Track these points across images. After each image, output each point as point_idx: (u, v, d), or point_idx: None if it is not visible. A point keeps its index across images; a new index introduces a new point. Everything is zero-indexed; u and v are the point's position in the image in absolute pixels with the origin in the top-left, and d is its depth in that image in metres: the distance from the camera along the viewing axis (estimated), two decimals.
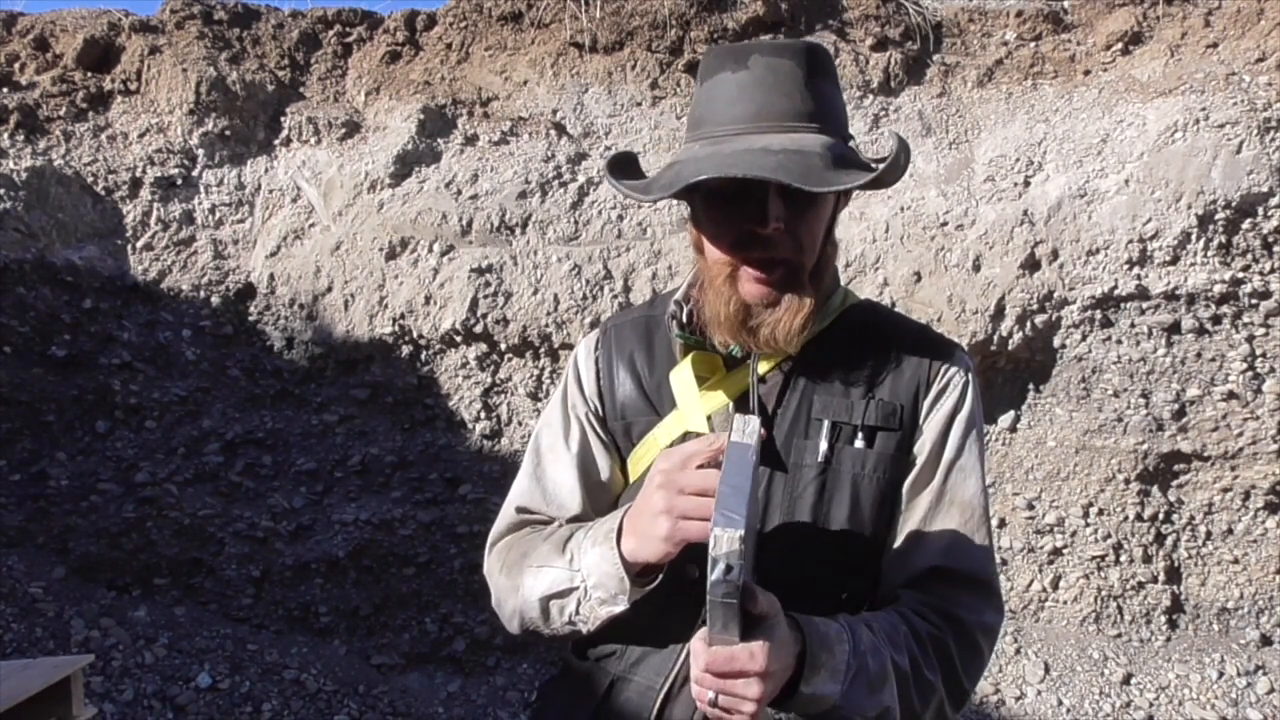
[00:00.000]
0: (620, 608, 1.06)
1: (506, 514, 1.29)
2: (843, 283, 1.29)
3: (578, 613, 1.10)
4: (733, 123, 1.07)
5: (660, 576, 1.07)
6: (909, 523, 1.16)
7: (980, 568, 1.15)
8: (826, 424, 1.14)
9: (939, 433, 1.17)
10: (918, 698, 1.05)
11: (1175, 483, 4.30)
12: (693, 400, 1.15)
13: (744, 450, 0.94)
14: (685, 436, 1.15)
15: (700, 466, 0.99)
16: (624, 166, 1.20)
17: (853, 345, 1.19)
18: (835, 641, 0.97)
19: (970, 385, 1.19)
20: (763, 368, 1.17)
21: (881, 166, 1.04)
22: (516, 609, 1.18)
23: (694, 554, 1.10)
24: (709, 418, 1.15)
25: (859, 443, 1.14)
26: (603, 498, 1.26)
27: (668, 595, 1.13)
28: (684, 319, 1.19)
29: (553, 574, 1.12)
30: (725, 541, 0.82)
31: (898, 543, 1.16)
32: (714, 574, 0.82)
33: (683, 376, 1.17)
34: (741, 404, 1.16)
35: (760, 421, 0.98)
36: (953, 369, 1.19)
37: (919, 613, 1.11)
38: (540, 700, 1.28)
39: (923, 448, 1.17)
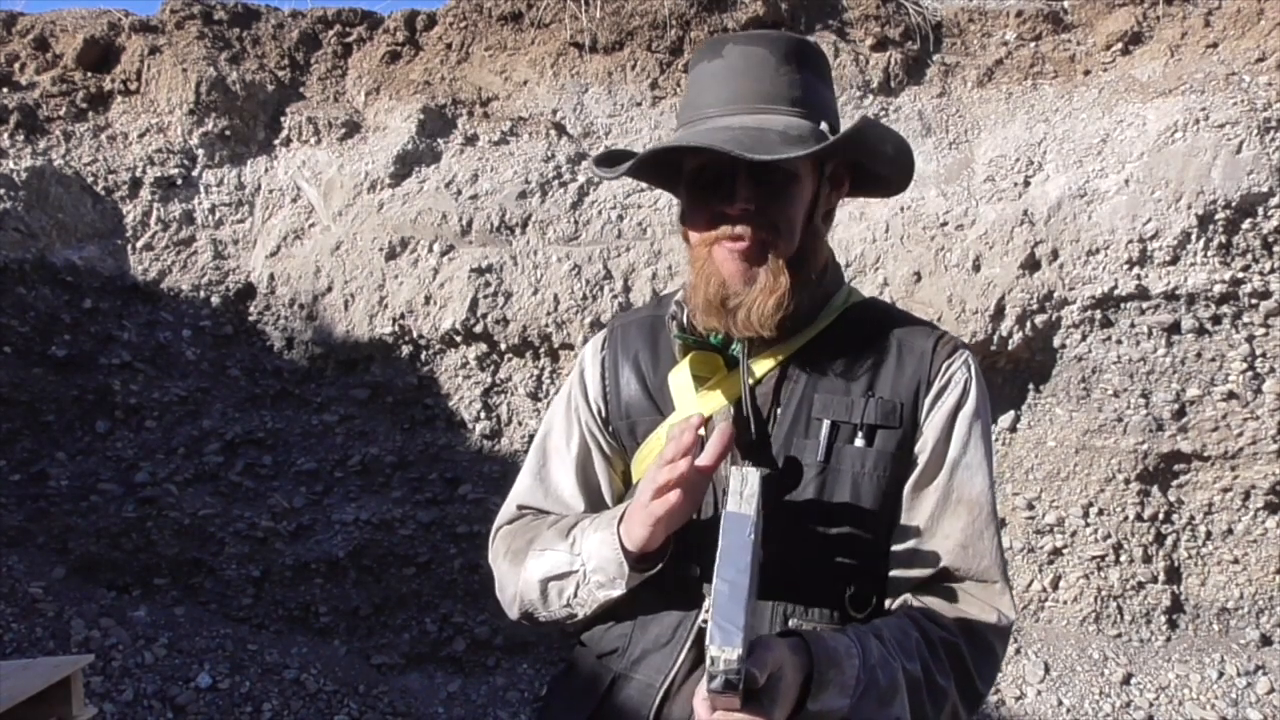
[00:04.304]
0: (617, 592, 1.10)
1: (508, 510, 1.33)
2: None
3: (576, 595, 1.14)
4: (708, 107, 1.13)
5: (660, 566, 1.09)
6: (916, 522, 1.15)
7: (991, 566, 1.14)
8: (826, 423, 1.13)
9: (942, 430, 1.16)
10: (930, 705, 1.05)
11: (1175, 483, 4.30)
12: (689, 401, 1.15)
13: (742, 525, 0.89)
14: None
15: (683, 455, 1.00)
16: (616, 159, 1.22)
17: (854, 343, 1.19)
18: (844, 657, 0.97)
19: (973, 382, 1.18)
20: (763, 367, 1.17)
21: (832, 139, 1.05)
22: (517, 593, 1.22)
23: (694, 554, 1.10)
24: (708, 419, 1.15)
25: (859, 441, 1.14)
26: (600, 505, 1.27)
27: (669, 595, 1.14)
28: (684, 320, 1.19)
29: (554, 557, 1.16)
30: (723, 662, 0.80)
31: (905, 543, 1.15)
32: (713, 684, 0.81)
33: (680, 377, 1.17)
34: (740, 405, 1.16)
35: (760, 475, 0.96)
36: (955, 365, 1.18)
37: (931, 616, 1.11)
38: (548, 694, 1.30)
39: (925, 446, 1.16)
